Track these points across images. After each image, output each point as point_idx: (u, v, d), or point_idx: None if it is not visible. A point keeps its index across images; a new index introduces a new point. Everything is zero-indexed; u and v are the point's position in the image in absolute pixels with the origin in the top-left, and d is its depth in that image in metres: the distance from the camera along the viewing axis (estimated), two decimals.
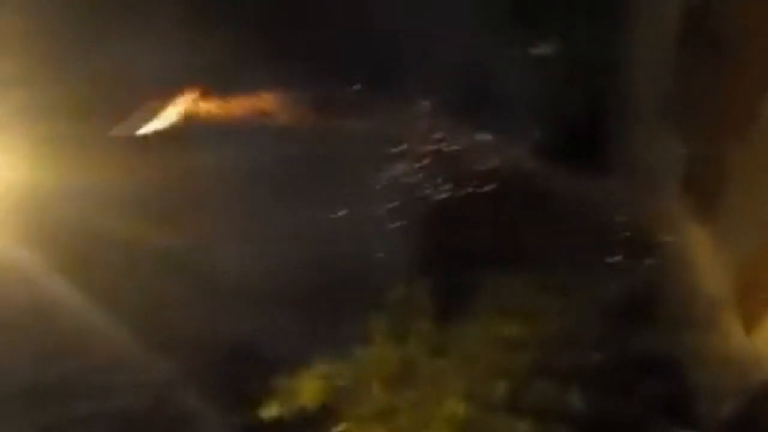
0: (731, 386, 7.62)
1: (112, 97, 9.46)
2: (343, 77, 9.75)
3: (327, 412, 7.52)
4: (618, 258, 8.32)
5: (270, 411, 7.51)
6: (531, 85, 9.54)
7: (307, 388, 7.49)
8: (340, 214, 9.25)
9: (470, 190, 9.38)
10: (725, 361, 7.69)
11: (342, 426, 7.51)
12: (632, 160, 9.28)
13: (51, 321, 8.80)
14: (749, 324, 7.46)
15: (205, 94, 9.06)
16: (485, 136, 9.30)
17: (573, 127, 9.25)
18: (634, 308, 8.15)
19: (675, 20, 8.53)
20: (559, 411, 7.37)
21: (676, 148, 8.50)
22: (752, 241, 7.50)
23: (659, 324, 8.11)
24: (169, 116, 9.07)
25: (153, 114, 9.39)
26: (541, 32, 9.74)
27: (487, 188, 9.26)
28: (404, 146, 9.55)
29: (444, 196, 9.37)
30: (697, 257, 8.23)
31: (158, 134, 9.48)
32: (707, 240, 8.00)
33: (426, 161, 9.49)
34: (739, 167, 7.71)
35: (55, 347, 8.90)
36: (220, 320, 9.18)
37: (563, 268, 8.34)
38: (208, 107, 9.02)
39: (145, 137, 9.49)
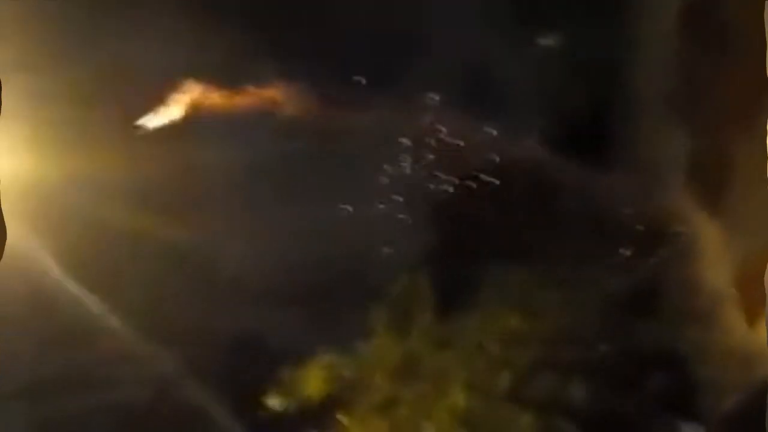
0: (734, 380, 7.61)
1: (117, 88, 9.44)
2: (346, 71, 9.73)
3: (330, 404, 7.54)
4: (622, 251, 8.30)
5: (274, 402, 7.52)
6: (535, 79, 9.52)
7: (312, 380, 7.49)
8: (342, 208, 9.24)
9: (474, 183, 9.37)
10: (728, 354, 7.69)
11: (345, 417, 7.52)
12: (637, 153, 9.26)
13: (52, 313, 8.80)
14: (752, 317, 7.45)
15: (211, 87, 9.05)
16: (489, 130, 9.28)
17: (577, 120, 9.23)
18: (638, 302, 8.14)
19: (678, 12, 8.52)
20: (562, 404, 7.36)
21: (681, 141, 8.48)
22: (756, 234, 7.50)
23: (663, 318, 8.10)
24: (178, 109, 9.06)
25: (168, 106, 9.37)
26: (544, 26, 9.72)
27: (490, 182, 9.24)
28: (408, 141, 9.54)
29: (447, 189, 9.35)
30: (701, 250, 8.22)
31: (166, 126, 9.47)
32: (711, 233, 7.99)
33: (429, 155, 9.47)
34: (744, 160, 7.70)
35: (57, 340, 8.90)
36: (223, 314, 9.17)
37: (566, 262, 8.33)
38: (213, 99, 9.01)
39: (156, 129, 9.46)
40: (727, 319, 7.73)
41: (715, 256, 7.98)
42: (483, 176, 9.34)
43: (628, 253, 8.23)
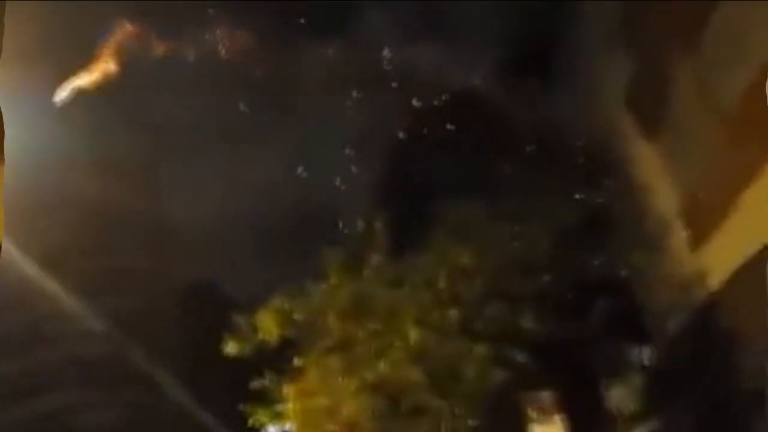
0: (679, 302, 7.78)
1: (58, 54, 9.28)
2: (292, 15, 9.62)
3: (286, 347, 7.63)
4: (569, 181, 8.39)
5: (230, 347, 7.59)
6: (487, 5, 9.46)
7: (265, 323, 7.55)
8: (293, 150, 9.24)
9: (425, 121, 9.39)
10: (673, 278, 7.84)
11: (301, 358, 7.63)
12: (583, 80, 9.32)
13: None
14: (696, 241, 7.58)
15: (141, 34, 8.87)
16: (441, 64, 9.24)
17: (528, 46, 9.22)
18: (585, 230, 8.25)
19: None
20: (513, 334, 7.49)
21: (627, 67, 8.53)
22: (698, 160, 7.59)
23: (609, 244, 8.23)
24: (113, 61, 8.89)
25: (93, 67, 9.13)
26: None
27: (442, 119, 9.27)
28: (359, 77, 9.49)
29: (399, 127, 9.38)
30: (645, 176, 8.33)
31: (106, 82, 9.29)
32: (655, 158, 8.09)
33: (380, 92, 9.46)
34: (686, 86, 7.76)
35: (6, 299, 8.88)
36: (178, 264, 9.22)
37: (516, 194, 8.39)
38: (153, 47, 8.86)
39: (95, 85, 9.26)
40: (672, 243, 7.87)
41: (658, 182, 8.09)
42: (433, 113, 9.37)
43: (572, 182, 8.33)
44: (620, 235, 8.46)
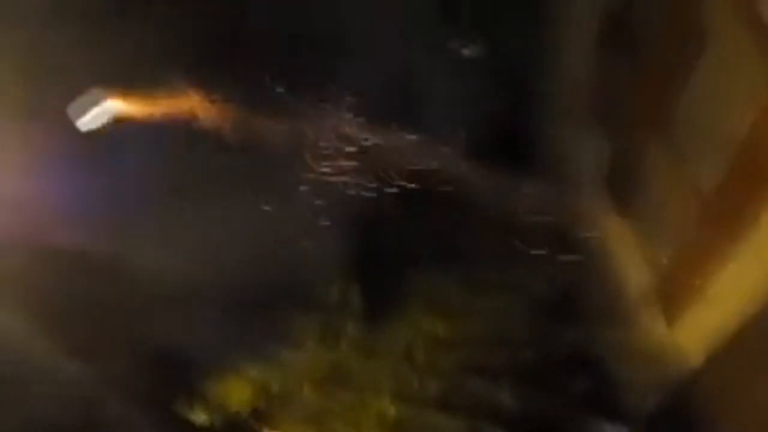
0: (654, 380, 7.80)
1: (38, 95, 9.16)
2: (265, 78, 9.64)
3: (258, 417, 7.44)
4: (543, 256, 8.42)
5: (200, 417, 7.38)
6: (455, 85, 9.61)
7: (237, 393, 7.38)
8: (266, 216, 9.15)
9: (397, 190, 9.40)
10: (648, 355, 7.86)
11: (274, 431, 7.44)
12: (556, 158, 9.43)
13: None
14: (671, 318, 7.64)
15: (127, 96, 8.83)
16: (412, 136, 9.32)
17: (498, 126, 9.35)
18: (560, 305, 8.28)
19: (596, 22, 8.70)
20: (490, 408, 7.43)
21: (598, 146, 8.66)
22: (672, 237, 7.68)
23: (584, 320, 8.25)
24: (105, 113, 8.81)
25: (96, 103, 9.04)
26: (465, 33, 9.82)
27: (414, 188, 9.29)
28: (330, 147, 9.50)
29: (371, 196, 9.36)
30: (619, 253, 8.40)
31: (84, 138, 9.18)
32: (629, 235, 8.17)
33: (353, 162, 9.47)
34: (658, 163, 7.89)
35: None
36: (146, 324, 8.98)
37: (490, 267, 8.40)
38: (130, 107, 8.79)
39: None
40: (646, 320, 7.91)
41: (632, 259, 8.17)
42: (404, 183, 9.39)
43: (546, 258, 8.38)
44: (593, 310, 8.49)
